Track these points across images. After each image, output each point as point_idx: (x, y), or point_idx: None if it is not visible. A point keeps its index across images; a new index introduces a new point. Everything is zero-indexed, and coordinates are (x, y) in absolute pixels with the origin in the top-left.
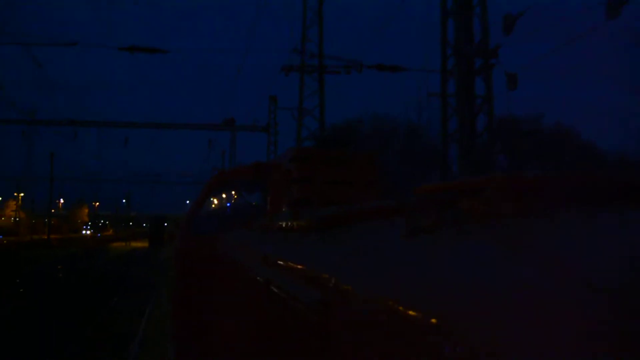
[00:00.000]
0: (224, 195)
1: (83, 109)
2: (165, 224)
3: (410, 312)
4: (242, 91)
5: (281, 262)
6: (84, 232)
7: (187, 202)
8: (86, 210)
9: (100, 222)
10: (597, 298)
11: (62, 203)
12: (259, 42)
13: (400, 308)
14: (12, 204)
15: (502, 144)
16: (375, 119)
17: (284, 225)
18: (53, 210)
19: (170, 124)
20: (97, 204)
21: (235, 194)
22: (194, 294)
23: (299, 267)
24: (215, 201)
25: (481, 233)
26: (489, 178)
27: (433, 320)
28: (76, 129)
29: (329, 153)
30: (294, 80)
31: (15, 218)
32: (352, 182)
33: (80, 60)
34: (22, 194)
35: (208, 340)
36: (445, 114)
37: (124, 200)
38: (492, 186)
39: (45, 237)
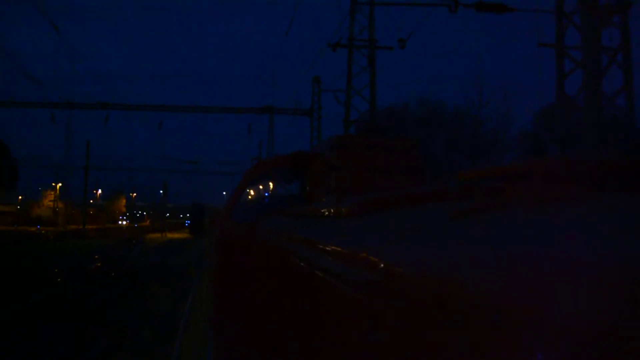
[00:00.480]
0: (260, 187)
1: (117, 96)
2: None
3: (465, 292)
4: (284, 75)
5: (325, 246)
6: (120, 222)
7: (224, 193)
8: (124, 201)
9: (138, 213)
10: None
11: (100, 194)
12: (303, 17)
13: (453, 288)
14: (51, 194)
15: (553, 133)
16: (421, 103)
17: (325, 212)
18: (92, 201)
19: (207, 107)
20: (135, 195)
21: (274, 183)
22: (234, 277)
23: (344, 250)
24: (252, 192)
25: (530, 215)
26: (532, 162)
27: (487, 299)
28: (109, 112)
29: (370, 141)
30: (339, 60)
31: (54, 207)
32: (394, 170)
33: (116, 48)
34: (60, 184)
35: (248, 320)
36: (561, 70)
37: (161, 192)
38: (538, 171)
39: (83, 227)
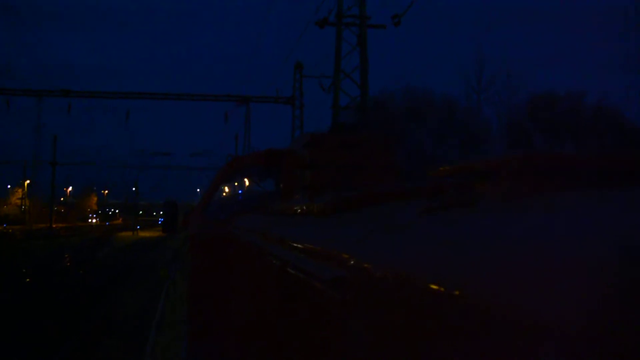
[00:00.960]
0: (235, 184)
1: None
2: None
3: (432, 286)
4: (264, 64)
5: (297, 244)
6: (90, 220)
7: (198, 190)
8: (95, 199)
9: (110, 211)
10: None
11: (70, 191)
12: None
13: (422, 282)
14: (19, 191)
15: (537, 123)
16: (408, 92)
17: (298, 209)
18: (62, 199)
19: (179, 94)
20: (107, 192)
21: (248, 181)
22: (209, 275)
23: (316, 247)
24: (227, 189)
25: (497, 210)
26: (504, 159)
27: (455, 293)
28: (71, 100)
29: (343, 138)
30: (323, 45)
31: (22, 206)
32: (368, 167)
33: (89, 43)
34: (27, 181)
35: (223, 319)
36: None
37: (133, 189)
38: (508, 166)
39: (50, 226)
